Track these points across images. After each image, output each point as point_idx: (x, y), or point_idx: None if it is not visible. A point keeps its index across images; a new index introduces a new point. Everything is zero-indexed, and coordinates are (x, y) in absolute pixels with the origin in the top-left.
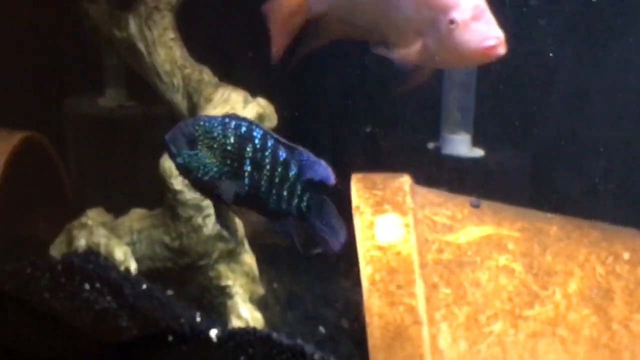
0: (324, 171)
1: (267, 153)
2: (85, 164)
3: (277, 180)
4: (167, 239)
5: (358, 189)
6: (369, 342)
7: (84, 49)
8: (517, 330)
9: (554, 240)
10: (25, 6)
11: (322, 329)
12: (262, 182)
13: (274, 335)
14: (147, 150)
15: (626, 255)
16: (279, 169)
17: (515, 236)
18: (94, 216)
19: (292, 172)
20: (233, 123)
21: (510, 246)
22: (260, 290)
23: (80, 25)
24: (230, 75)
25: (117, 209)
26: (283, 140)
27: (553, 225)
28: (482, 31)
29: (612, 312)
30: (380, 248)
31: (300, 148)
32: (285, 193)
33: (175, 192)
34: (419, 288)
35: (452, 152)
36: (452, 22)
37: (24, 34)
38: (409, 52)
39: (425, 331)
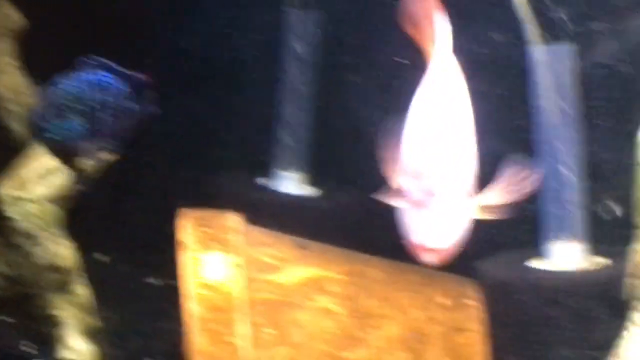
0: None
1: (115, 98)
2: None
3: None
4: (2, 267)
5: (187, 226)
6: None
7: None
8: None
9: (377, 284)
10: None
11: None
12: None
13: None
14: None
15: (444, 301)
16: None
17: (339, 279)
18: None
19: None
20: (94, 78)
21: (334, 288)
22: (95, 322)
23: None
24: None
25: None
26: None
27: (377, 269)
28: (418, 223)
29: (428, 357)
30: (206, 286)
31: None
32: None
33: (8, 221)
34: (243, 327)
35: (284, 189)
36: (402, 191)
37: None
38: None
39: None
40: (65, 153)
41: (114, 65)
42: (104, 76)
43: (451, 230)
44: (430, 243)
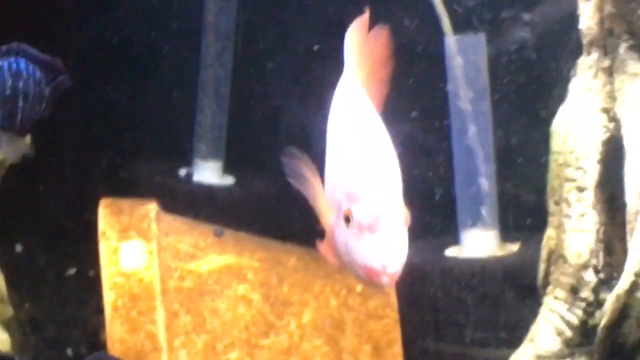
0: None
1: (31, 84)
2: None
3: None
4: None
5: (105, 215)
6: None
7: None
8: (253, 359)
9: (292, 271)
10: None
11: (69, 352)
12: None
13: (17, 358)
14: None
15: (358, 288)
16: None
17: (254, 266)
18: None
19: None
20: (8, 65)
21: (250, 276)
22: (9, 311)
23: None
24: None
25: None
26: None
27: (292, 257)
28: (372, 246)
29: (343, 343)
30: (124, 274)
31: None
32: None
33: None
34: (160, 315)
35: (203, 179)
36: (347, 217)
37: None
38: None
39: (164, 358)
40: None
41: (26, 49)
42: (15, 61)
43: (402, 249)
44: (386, 267)
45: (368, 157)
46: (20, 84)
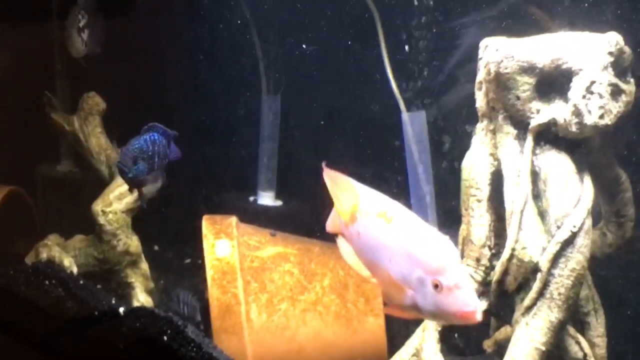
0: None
1: (161, 147)
2: (47, 207)
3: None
4: (95, 254)
5: (206, 225)
6: (211, 314)
7: (49, 133)
8: (295, 308)
9: (316, 255)
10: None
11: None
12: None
13: (156, 310)
14: (86, 197)
15: None
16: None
17: (294, 252)
18: (52, 239)
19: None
20: (149, 138)
21: (292, 258)
22: (151, 284)
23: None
24: None
25: (68, 234)
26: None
27: (316, 246)
28: (463, 298)
29: (348, 297)
30: (218, 259)
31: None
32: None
33: (101, 225)
34: (239, 283)
35: (263, 202)
36: (436, 285)
37: (13, 120)
38: (401, 302)
39: (243, 308)
40: (137, 185)
41: (157, 125)
42: (153, 135)
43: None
44: (476, 306)
45: (426, 241)
46: (156, 148)
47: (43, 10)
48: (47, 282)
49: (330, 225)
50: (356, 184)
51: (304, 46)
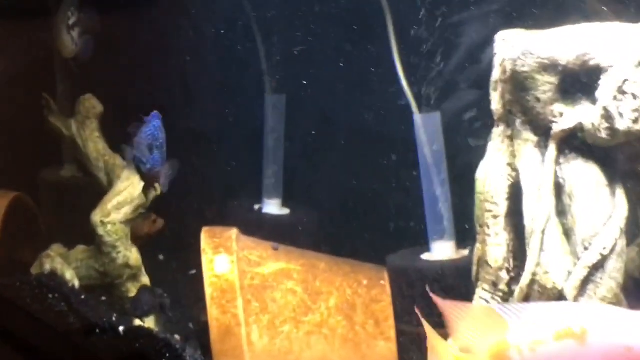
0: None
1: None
2: (51, 213)
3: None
4: (96, 266)
5: (204, 238)
6: (210, 336)
7: (50, 139)
8: (298, 330)
9: (322, 272)
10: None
11: (190, 325)
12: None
13: (155, 331)
14: (88, 205)
15: (365, 282)
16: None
17: (298, 269)
18: (55, 249)
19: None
20: (156, 124)
21: (295, 275)
22: None
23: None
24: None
25: (71, 241)
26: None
27: (322, 262)
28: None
29: (356, 319)
30: (217, 276)
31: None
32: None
33: (100, 237)
34: (239, 302)
35: (269, 211)
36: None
37: (16, 126)
38: None
39: (243, 330)
40: (153, 178)
41: (158, 114)
42: (157, 121)
43: None
44: None
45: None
46: (163, 135)
47: (44, 9)
48: (50, 296)
49: None
50: (499, 308)
51: (302, 46)
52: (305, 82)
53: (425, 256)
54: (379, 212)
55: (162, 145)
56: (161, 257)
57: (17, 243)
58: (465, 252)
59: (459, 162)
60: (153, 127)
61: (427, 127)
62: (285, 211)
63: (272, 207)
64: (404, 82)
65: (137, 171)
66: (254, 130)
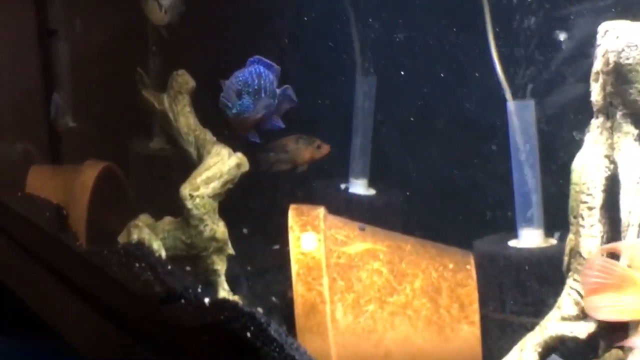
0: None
1: (268, 83)
2: (140, 184)
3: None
4: (183, 238)
5: (292, 216)
6: (295, 312)
7: (140, 111)
8: (383, 310)
9: (408, 253)
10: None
11: (274, 299)
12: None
13: (240, 304)
14: (175, 177)
15: (451, 266)
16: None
17: (384, 250)
18: (143, 220)
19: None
20: (254, 70)
21: (381, 256)
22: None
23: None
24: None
25: (158, 213)
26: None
27: (408, 244)
28: None
29: (440, 302)
30: (303, 254)
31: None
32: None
33: (188, 210)
34: (325, 280)
35: (355, 191)
36: None
37: (109, 98)
38: None
39: (328, 307)
40: (240, 124)
41: (262, 59)
42: (259, 67)
43: None
44: None
45: None
46: (262, 82)
47: None
48: (137, 265)
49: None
50: None
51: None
52: (405, 69)
53: (512, 243)
54: (466, 197)
55: (256, 92)
56: (245, 230)
57: (106, 212)
58: (554, 240)
59: (556, 153)
60: (248, 73)
61: (519, 115)
62: (372, 192)
63: (359, 187)
64: (499, 70)
65: (223, 115)
66: (347, 111)
